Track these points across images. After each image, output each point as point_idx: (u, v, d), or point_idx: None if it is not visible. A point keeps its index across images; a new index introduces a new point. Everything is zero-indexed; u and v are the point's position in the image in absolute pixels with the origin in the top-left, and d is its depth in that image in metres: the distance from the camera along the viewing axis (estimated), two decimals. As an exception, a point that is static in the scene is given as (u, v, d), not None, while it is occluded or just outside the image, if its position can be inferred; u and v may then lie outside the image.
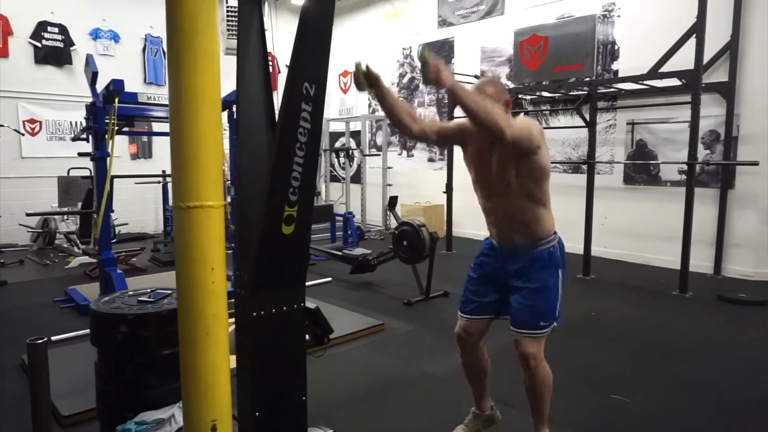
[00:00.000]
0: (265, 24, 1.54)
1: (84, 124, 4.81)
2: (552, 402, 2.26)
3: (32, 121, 7.57)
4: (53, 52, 7.68)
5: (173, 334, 1.44)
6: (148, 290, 2.10)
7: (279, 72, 10.11)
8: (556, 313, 2.14)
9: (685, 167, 5.13)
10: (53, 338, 3.49)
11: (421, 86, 9.03)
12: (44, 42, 7.60)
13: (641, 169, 6.30)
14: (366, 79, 2.00)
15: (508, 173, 2.06)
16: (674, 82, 5.19)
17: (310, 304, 1.54)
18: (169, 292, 2.10)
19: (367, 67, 1.98)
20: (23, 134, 7.40)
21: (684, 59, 4.90)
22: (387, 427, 2.59)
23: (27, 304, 4.61)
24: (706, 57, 5.35)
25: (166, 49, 1.30)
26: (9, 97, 7.33)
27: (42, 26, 7.58)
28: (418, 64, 8.98)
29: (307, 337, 1.58)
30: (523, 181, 2.05)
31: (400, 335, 3.88)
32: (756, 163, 4.91)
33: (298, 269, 1.46)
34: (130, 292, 2.11)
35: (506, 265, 2.18)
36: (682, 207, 4.99)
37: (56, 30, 7.70)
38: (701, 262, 5.72)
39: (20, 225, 7.00)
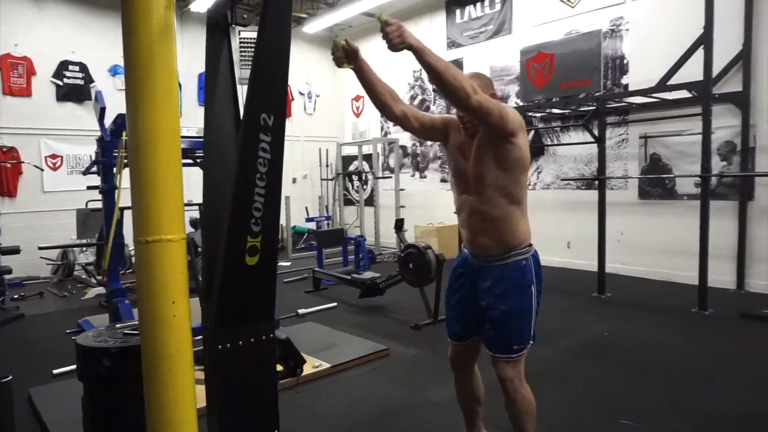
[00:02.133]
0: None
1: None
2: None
3: (54, 156, 7.82)
4: (74, 89, 7.97)
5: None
6: (136, 322, 2.11)
7: (293, 99, 10.29)
8: (531, 333, 2.07)
9: (699, 180, 4.99)
10: (55, 371, 3.55)
11: (432, 107, 9.06)
12: (65, 80, 7.89)
13: (656, 183, 6.16)
14: (345, 53, 1.93)
15: (484, 165, 2.00)
16: (686, 93, 5.09)
17: (280, 334, 1.51)
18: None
19: (346, 41, 1.93)
20: (42, 170, 7.63)
21: (695, 70, 4.80)
22: (384, 458, 2.53)
23: (41, 336, 4.68)
24: (719, 67, 5.27)
25: (124, 86, 1.32)
26: (32, 134, 7.59)
27: (63, 65, 7.88)
28: (428, 86, 9.03)
29: (280, 368, 1.55)
30: (498, 174, 1.98)
31: (406, 360, 3.82)
32: (772, 174, 4.75)
33: (265, 300, 1.45)
34: (118, 325, 2.12)
35: (478, 282, 2.12)
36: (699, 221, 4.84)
37: (77, 68, 7.99)
38: (723, 277, 5.53)
39: (41, 258, 7.18)
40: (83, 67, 8.05)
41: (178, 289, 1.31)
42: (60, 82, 7.87)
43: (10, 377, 1.48)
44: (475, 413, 2.37)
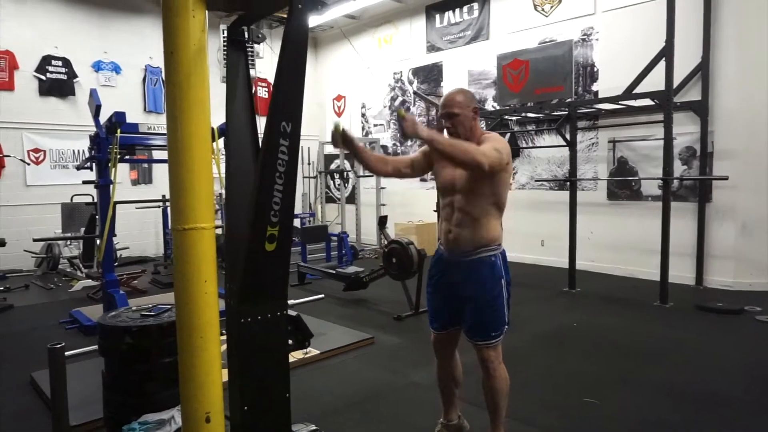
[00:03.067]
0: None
1: (87, 152, 5.07)
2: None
3: (36, 150, 7.85)
4: (57, 84, 8.00)
5: (173, 345, 1.65)
6: (150, 305, 2.32)
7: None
8: (505, 320, 2.35)
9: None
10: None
11: (412, 108, 9.33)
12: (48, 75, 7.92)
13: (623, 185, 6.55)
14: (342, 139, 2.26)
15: (476, 181, 2.28)
16: (650, 101, 5.46)
17: (291, 312, 1.75)
18: (169, 307, 2.31)
19: (343, 129, 2.26)
20: (28, 164, 7.66)
21: (659, 80, 5.14)
22: (374, 430, 2.78)
23: (33, 326, 4.80)
24: (680, 77, 5.66)
25: (164, 97, 1.54)
26: (14, 128, 7.61)
27: (46, 60, 7.90)
28: (408, 87, 9.30)
29: (290, 341, 1.79)
30: (485, 183, 2.26)
31: (389, 348, 4.08)
32: (726, 178, 5.15)
33: (280, 281, 1.68)
34: (134, 308, 2.32)
35: (453, 276, 2.38)
36: (661, 221, 5.22)
37: (60, 63, 8.02)
38: (683, 273, 5.93)
39: (25, 251, 7.23)
40: (66, 62, 8.09)
41: (209, 270, 1.54)
42: (43, 77, 7.90)
43: (63, 344, 1.68)
44: (453, 394, 2.63)
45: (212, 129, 3.73)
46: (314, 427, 1.82)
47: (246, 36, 1.84)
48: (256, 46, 8.41)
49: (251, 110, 1.84)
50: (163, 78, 1.44)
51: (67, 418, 1.70)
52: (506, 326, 2.37)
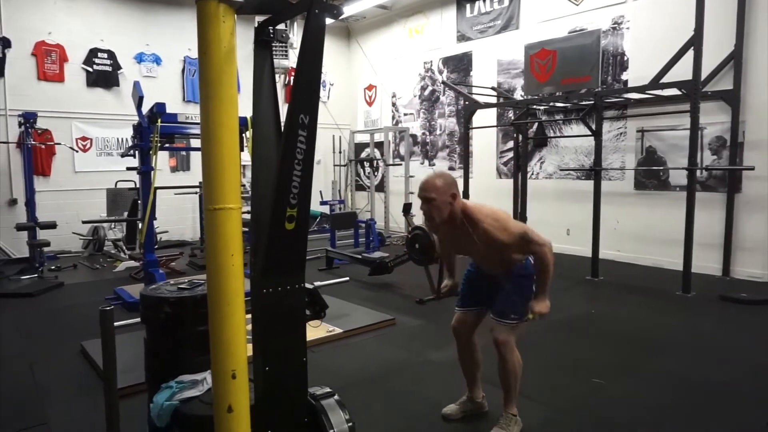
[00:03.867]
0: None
1: (130, 140, 5.40)
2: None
3: (84, 138, 8.32)
4: (103, 75, 8.44)
5: (205, 315, 1.86)
6: (186, 281, 2.56)
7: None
8: (525, 311, 2.53)
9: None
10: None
11: (441, 98, 9.42)
12: (95, 67, 8.36)
13: (651, 174, 6.52)
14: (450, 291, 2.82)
15: (491, 250, 2.48)
16: (678, 91, 5.43)
17: (308, 285, 1.95)
18: (203, 282, 2.55)
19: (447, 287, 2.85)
20: (77, 151, 8.14)
21: (689, 68, 5.09)
22: (389, 404, 2.98)
23: (82, 302, 5.19)
24: (712, 65, 5.61)
25: (199, 90, 1.75)
26: (65, 117, 8.09)
27: (93, 53, 8.35)
28: (438, 77, 9.38)
29: (308, 312, 1.99)
30: (504, 251, 2.49)
31: (410, 329, 4.27)
32: (752, 168, 5.11)
33: (298, 257, 1.88)
34: (172, 282, 2.58)
35: (488, 277, 2.63)
36: (690, 211, 5.21)
37: (105, 56, 8.45)
38: (710, 264, 5.91)
39: (73, 233, 7.72)
40: (111, 55, 8.51)
41: (235, 245, 1.75)
42: (90, 69, 8.34)
43: (113, 306, 1.93)
44: (475, 375, 2.79)
45: (246, 119, 3.97)
46: (329, 390, 2.02)
47: (272, 35, 2.03)
48: (291, 36, 8.66)
49: (275, 104, 2.03)
50: (200, 72, 1.66)
51: (115, 375, 1.95)
52: (525, 317, 2.53)
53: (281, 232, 1.81)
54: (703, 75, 5.22)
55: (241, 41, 2.03)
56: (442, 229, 2.58)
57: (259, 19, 1.99)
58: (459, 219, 2.45)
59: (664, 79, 5.40)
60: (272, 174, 1.85)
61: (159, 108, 4.47)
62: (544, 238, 2.42)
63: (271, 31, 1.99)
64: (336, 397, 2.05)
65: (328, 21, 1.83)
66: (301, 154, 1.78)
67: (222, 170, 1.72)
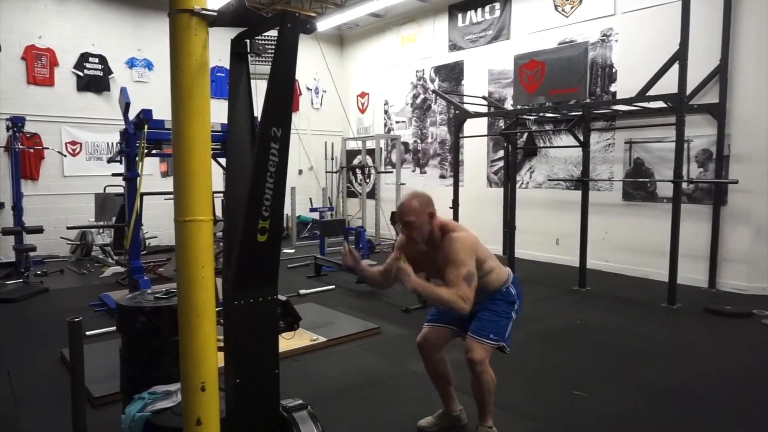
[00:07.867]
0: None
1: (118, 146, 5.38)
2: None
3: (73, 143, 8.29)
4: (93, 80, 8.42)
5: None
6: (164, 290, 2.55)
7: (300, 94, 10.71)
8: (505, 336, 2.54)
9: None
10: (87, 333, 4.00)
11: (433, 106, 9.46)
12: (86, 71, 8.35)
13: (639, 186, 6.56)
14: (351, 257, 2.67)
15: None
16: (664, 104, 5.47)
17: (281, 297, 1.95)
18: (181, 291, 2.54)
19: (350, 248, 2.68)
20: (65, 155, 8.11)
21: (676, 81, 5.12)
22: (367, 415, 2.98)
23: (66, 308, 5.15)
24: (698, 79, 5.67)
25: (170, 106, 1.75)
26: (54, 121, 8.07)
27: (84, 57, 8.33)
28: (430, 85, 9.42)
29: (281, 324, 1.99)
30: None
31: (394, 338, 4.26)
32: (735, 182, 5.15)
33: (270, 269, 1.88)
34: (149, 291, 2.57)
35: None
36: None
37: (96, 60, 8.44)
38: (696, 275, 5.94)
39: (61, 238, 7.67)
40: (102, 59, 8.50)
41: (206, 257, 1.75)
42: (80, 73, 8.32)
43: (80, 318, 1.92)
44: (447, 390, 2.76)
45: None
46: (301, 402, 2.01)
47: (248, 48, 2.03)
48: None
49: (251, 116, 2.04)
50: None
51: (83, 386, 1.94)
52: (504, 343, 2.54)
53: (253, 245, 1.81)
54: (690, 88, 5.26)
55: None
56: (420, 251, 2.52)
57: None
58: (438, 237, 2.47)
59: (651, 92, 5.44)
60: (246, 186, 1.85)
61: (145, 114, 4.46)
62: (467, 292, 2.31)
63: (248, 43, 2.00)
64: (309, 409, 2.04)
65: (322, 28, 1.84)
66: (274, 166, 1.78)
67: (193, 182, 1.72)
